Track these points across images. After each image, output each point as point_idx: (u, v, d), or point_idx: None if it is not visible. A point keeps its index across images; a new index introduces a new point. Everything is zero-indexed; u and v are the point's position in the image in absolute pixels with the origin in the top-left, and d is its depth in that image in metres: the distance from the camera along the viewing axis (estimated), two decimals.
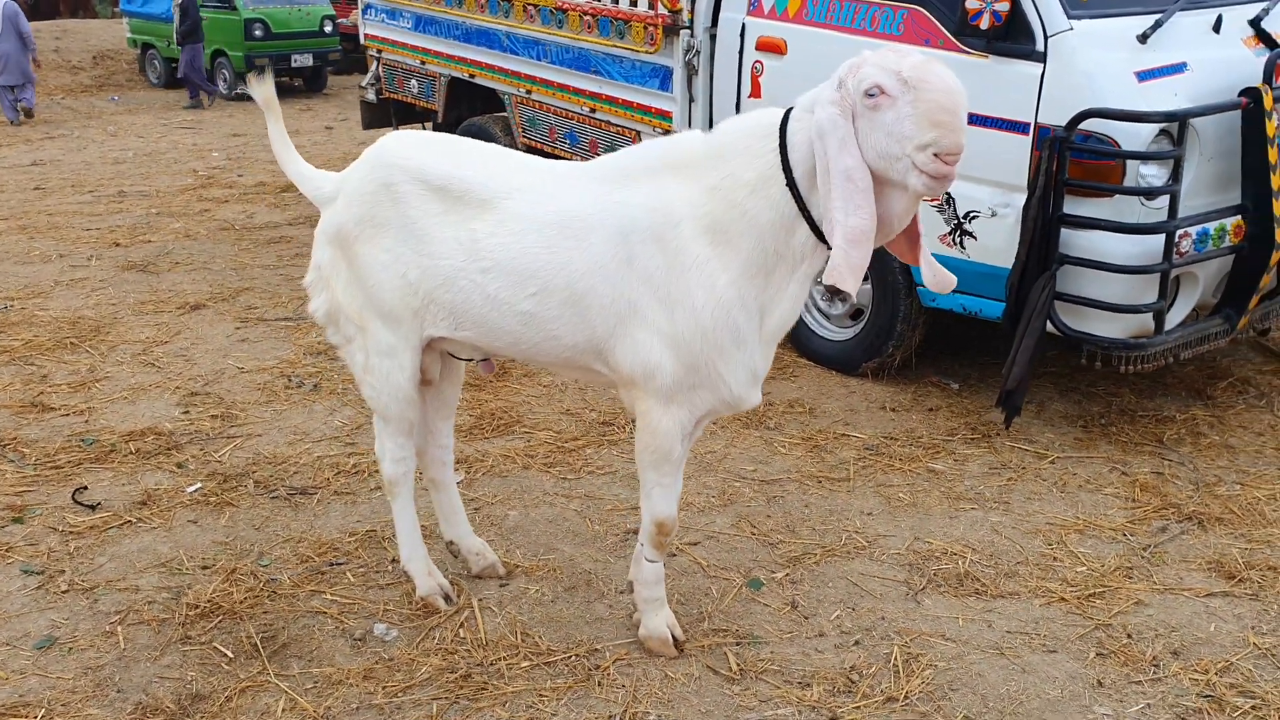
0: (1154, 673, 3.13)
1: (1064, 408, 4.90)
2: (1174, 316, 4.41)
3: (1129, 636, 3.29)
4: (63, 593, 3.56)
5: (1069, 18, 4.25)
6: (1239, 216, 4.32)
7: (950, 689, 3.06)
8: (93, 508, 4.08)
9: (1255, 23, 4.53)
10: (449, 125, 7.83)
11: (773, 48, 5.24)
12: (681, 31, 5.61)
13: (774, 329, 2.89)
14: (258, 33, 16.01)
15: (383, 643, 3.30)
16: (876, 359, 5.13)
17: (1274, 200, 4.18)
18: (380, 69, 8.33)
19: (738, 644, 3.27)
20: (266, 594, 3.55)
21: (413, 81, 7.98)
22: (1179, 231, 4.14)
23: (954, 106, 2.45)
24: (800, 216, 2.72)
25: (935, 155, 2.46)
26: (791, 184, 2.70)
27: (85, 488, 4.23)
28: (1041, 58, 4.27)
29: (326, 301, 3.29)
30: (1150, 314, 4.23)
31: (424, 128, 8.79)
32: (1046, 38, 4.26)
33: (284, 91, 16.65)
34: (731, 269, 2.80)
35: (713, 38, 5.59)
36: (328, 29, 16.80)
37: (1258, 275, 4.31)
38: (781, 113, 2.77)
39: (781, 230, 2.75)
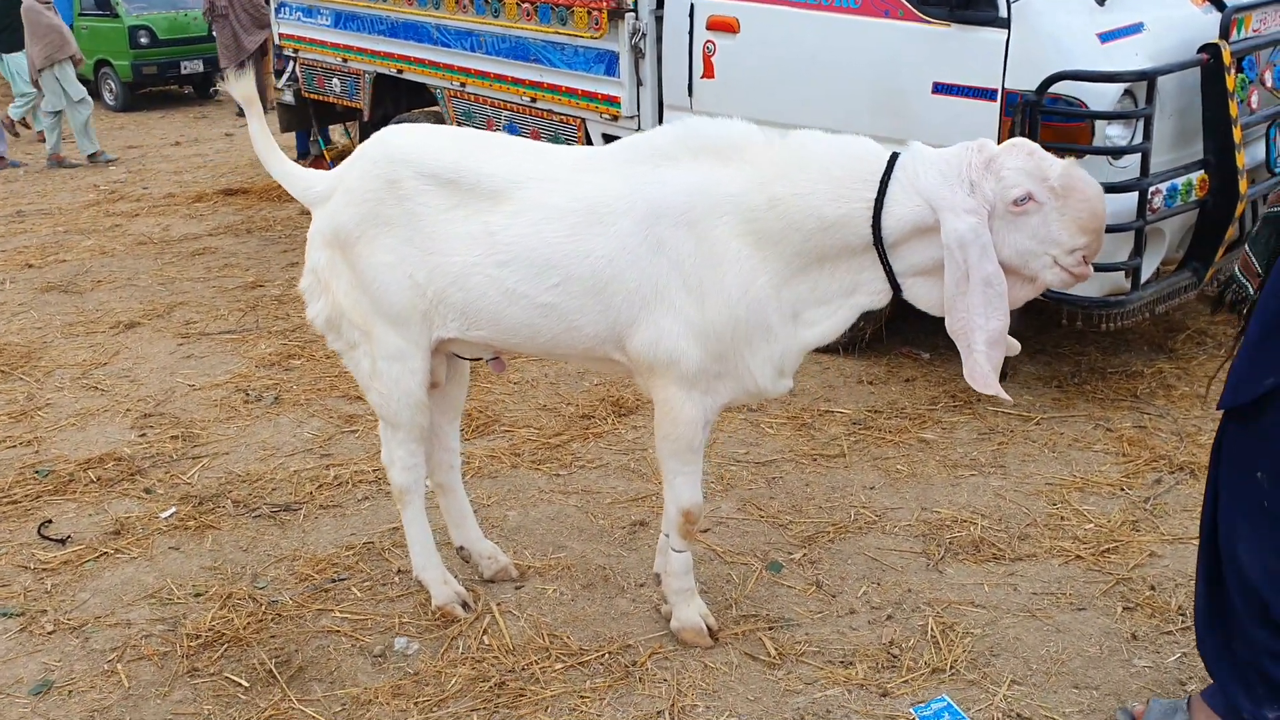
0: (1182, 622, 3.16)
1: (1035, 369, 4.96)
2: (1143, 273, 4.48)
3: (1151, 589, 3.32)
4: (49, 633, 3.34)
5: None
6: (1202, 171, 4.41)
7: (992, 655, 3.06)
8: (63, 541, 3.85)
9: None
10: (376, 124, 7.60)
11: (725, 27, 5.19)
12: (626, 15, 5.52)
13: (808, 342, 2.86)
14: (144, 40, 15.34)
15: (405, 657, 3.17)
16: (849, 334, 5.13)
17: (1236, 153, 4.28)
18: (297, 68, 8.06)
19: (771, 628, 3.22)
20: (271, 617, 3.38)
21: (334, 80, 7.73)
22: (1151, 188, 4.20)
23: (1102, 213, 2.56)
24: (877, 262, 2.70)
25: (1084, 258, 2.56)
26: (879, 243, 2.67)
27: (50, 521, 3.99)
28: (1005, 24, 4.29)
29: (326, 307, 3.13)
30: (1125, 271, 4.30)
31: (345, 128, 8.57)
32: (1009, 4, 4.28)
33: (174, 100, 16.06)
34: (772, 271, 2.76)
35: (658, 20, 5.51)
36: None
37: (1223, 227, 4.41)
38: (879, 158, 2.69)
39: (844, 264, 2.74)
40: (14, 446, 4.61)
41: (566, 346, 2.97)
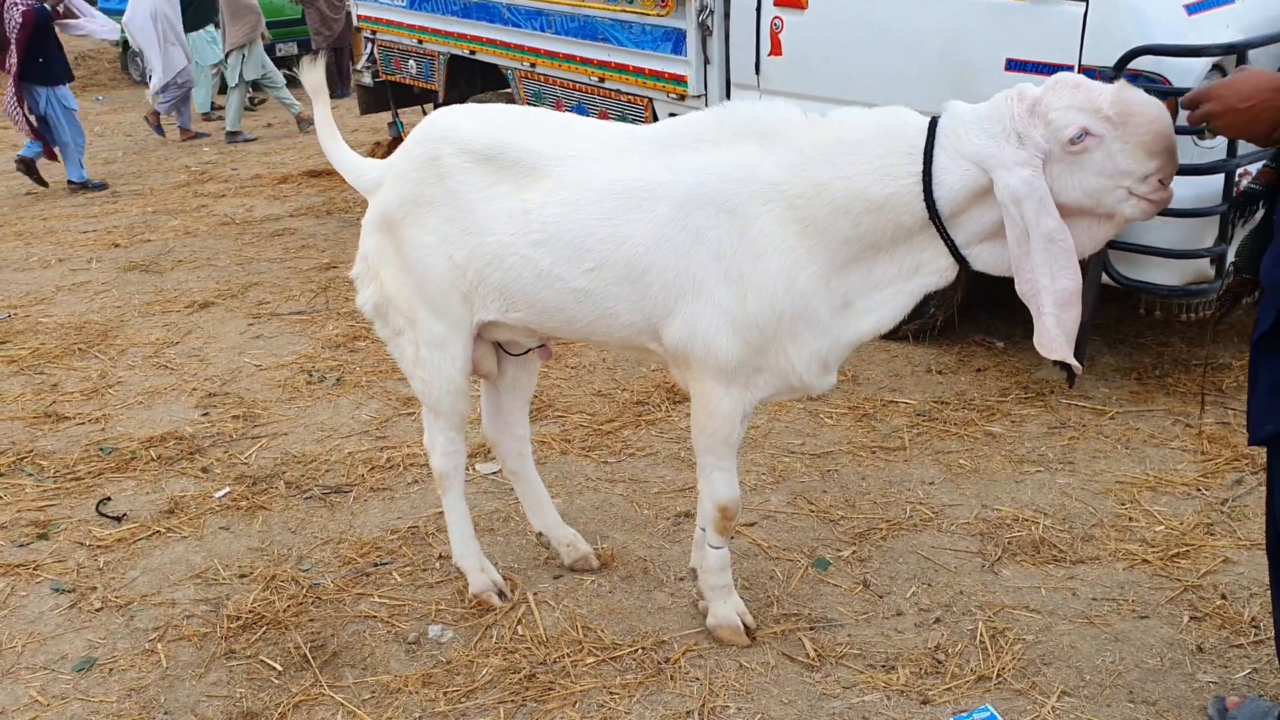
0: (1255, 634, 2.97)
1: (1115, 360, 4.73)
2: (1228, 260, 4.22)
3: (1222, 598, 3.13)
4: (97, 610, 3.39)
5: None
6: None
7: (1043, 663, 2.90)
8: (119, 519, 3.91)
9: None
10: (451, 105, 7.62)
11: (793, 3, 5.03)
12: None
13: (862, 333, 2.72)
14: None
15: (439, 645, 3.14)
16: (918, 321, 4.96)
17: None
18: (375, 50, 8.10)
19: (812, 628, 3.11)
20: (310, 601, 3.38)
21: (410, 62, 7.75)
22: (1239, 170, 3.95)
23: (1169, 131, 2.36)
24: (936, 238, 2.56)
25: (1160, 182, 2.39)
26: (935, 217, 2.53)
27: (109, 499, 4.06)
28: None
29: (375, 293, 3.11)
30: (1210, 258, 4.06)
31: (423, 111, 8.58)
32: None
33: None
34: (819, 263, 2.63)
35: None
36: None
37: None
38: (919, 128, 2.55)
39: (900, 246, 2.60)
40: (83, 423, 4.71)
41: (603, 333, 2.89)
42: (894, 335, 5.05)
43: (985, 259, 2.58)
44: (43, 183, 9.74)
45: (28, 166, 9.68)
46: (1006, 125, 2.43)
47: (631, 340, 2.88)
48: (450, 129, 2.94)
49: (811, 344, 2.70)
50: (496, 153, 2.88)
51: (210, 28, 12.22)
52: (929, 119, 2.57)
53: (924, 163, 2.51)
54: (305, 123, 11.89)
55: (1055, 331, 2.43)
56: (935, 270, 2.63)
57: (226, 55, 11.61)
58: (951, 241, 2.55)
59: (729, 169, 2.68)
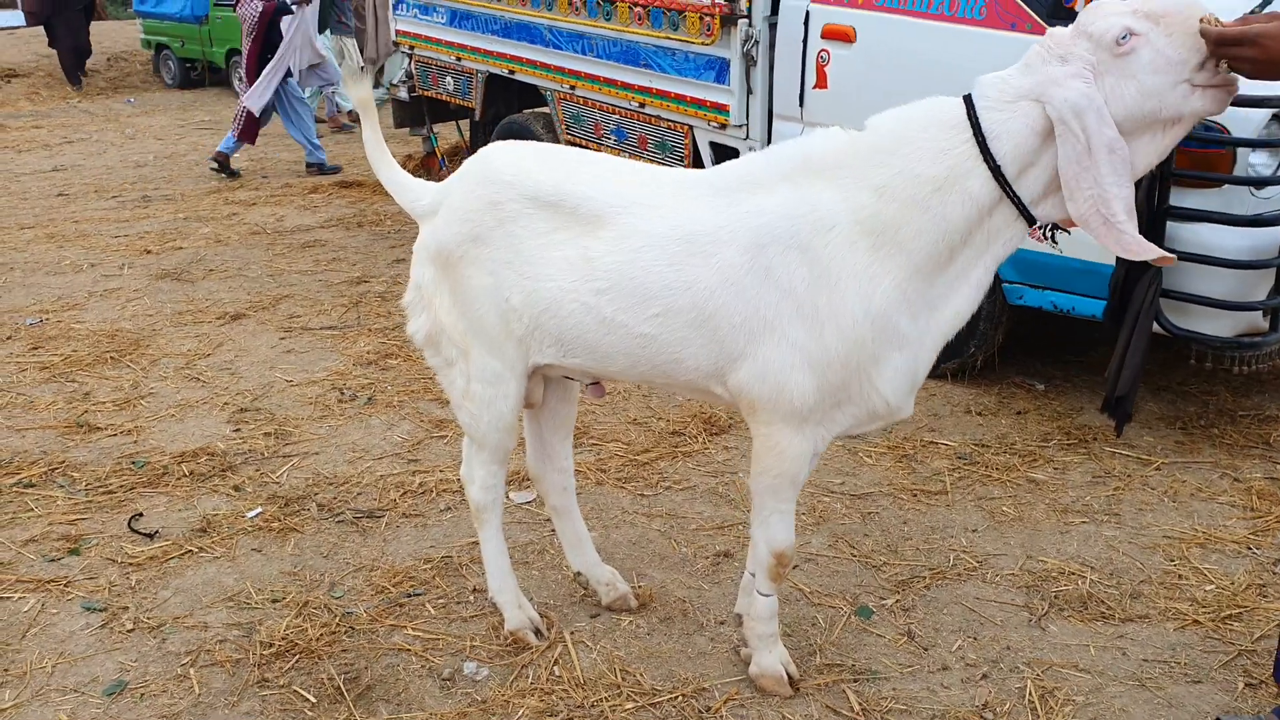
0: None
1: (1159, 409, 4.66)
2: None
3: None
4: (128, 631, 3.35)
5: None
6: None
7: None
8: (151, 536, 3.87)
9: None
10: (487, 123, 7.61)
11: (840, 35, 5.00)
12: (740, 21, 5.36)
13: (950, 323, 2.65)
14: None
15: (474, 683, 3.09)
16: (957, 360, 4.90)
17: None
18: (413, 65, 8.10)
19: (856, 680, 3.05)
20: (344, 630, 3.33)
21: (448, 78, 7.75)
22: None
23: (1209, 13, 2.35)
24: (1004, 200, 2.51)
25: (1215, 65, 2.34)
26: (998, 173, 2.48)
27: (141, 514, 4.02)
28: None
29: (427, 323, 3.06)
30: (1264, 311, 3.99)
31: (458, 126, 8.60)
32: None
33: None
34: (895, 272, 2.56)
35: (772, 27, 5.35)
36: None
37: None
38: (954, 103, 2.53)
39: (975, 220, 2.54)
40: (115, 435, 4.68)
41: (666, 378, 2.84)
42: (933, 373, 4.99)
43: (1052, 211, 2.54)
44: (234, 174, 10.34)
45: (222, 163, 10.21)
46: (1047, 58, 2.44)
47: (696, 384, 2.83)
48: (510, 172, 2.89)
49: (896, 360, 2.62)
50: (557, 199, 2.83)
51: (326, 34, 12.49)
52: (957, 97, 2.55)
53: (973, 129, 2.48)
54: (337, 127, 12.17)
55: (1136, 234, 2.41)
56: (1008, 234, 2.57)
57: (377, 59, 11.76)
58: (1018, 199, 2.51)
59: (787, 205, 2.64)
